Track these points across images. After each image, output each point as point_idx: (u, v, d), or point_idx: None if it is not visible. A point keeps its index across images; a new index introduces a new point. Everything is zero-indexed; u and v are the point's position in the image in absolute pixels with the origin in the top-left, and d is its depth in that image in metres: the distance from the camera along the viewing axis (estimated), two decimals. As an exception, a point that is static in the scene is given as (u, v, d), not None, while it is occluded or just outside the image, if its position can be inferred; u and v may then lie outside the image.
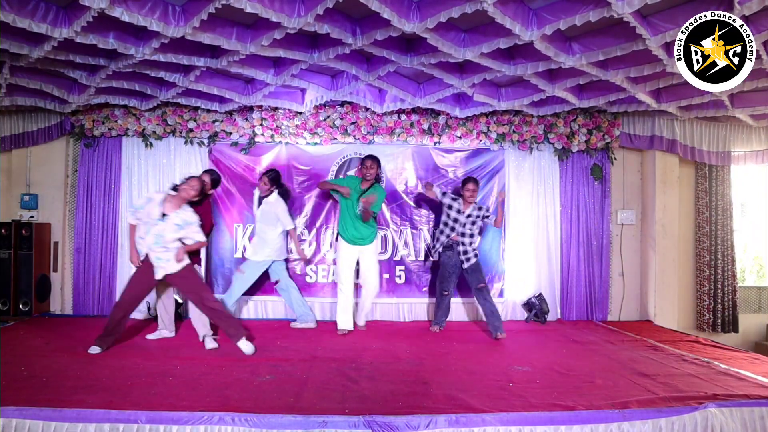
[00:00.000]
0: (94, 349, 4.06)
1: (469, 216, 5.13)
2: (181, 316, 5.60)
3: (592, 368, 3.87)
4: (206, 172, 4.77)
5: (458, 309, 5.88)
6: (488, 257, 5.96)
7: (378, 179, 5.12)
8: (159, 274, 4.08)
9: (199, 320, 4.37)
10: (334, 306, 5.80)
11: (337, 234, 5.20)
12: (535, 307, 5.78)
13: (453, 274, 5.19)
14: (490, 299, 5.09)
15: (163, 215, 4.04)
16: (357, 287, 5.35)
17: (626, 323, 5.85)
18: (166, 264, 4.08)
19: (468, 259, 5.13)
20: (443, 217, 5.25)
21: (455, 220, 5.14)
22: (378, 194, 4.98)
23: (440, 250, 5.25)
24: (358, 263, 5.13)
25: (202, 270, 5.64)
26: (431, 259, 5.72)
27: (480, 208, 5.21)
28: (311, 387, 3.30)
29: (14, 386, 3.16)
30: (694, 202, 6.33)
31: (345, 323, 5.05)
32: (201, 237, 4.18)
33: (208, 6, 3.32)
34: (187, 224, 4.09)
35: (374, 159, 5.04)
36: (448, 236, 5.16)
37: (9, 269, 5.47)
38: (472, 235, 5.17)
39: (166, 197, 4.12)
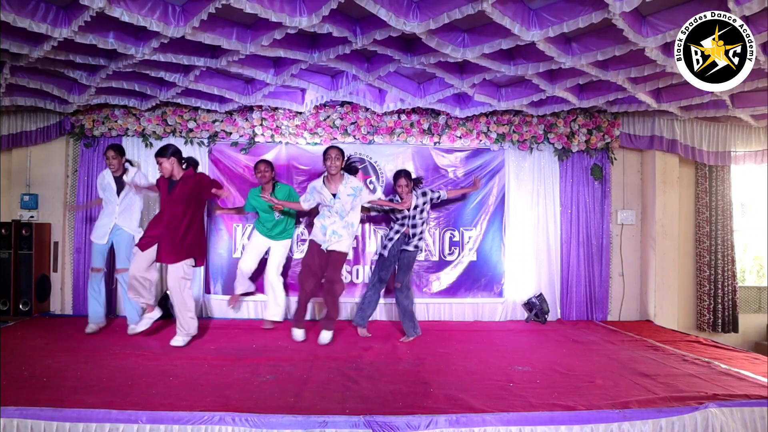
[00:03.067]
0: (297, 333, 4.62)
1: (415, 207, 4.96)
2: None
3: (592, 368, 3.87)
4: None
5: (459, 309, 5.90)
6: (488, 257, 5.96)
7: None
8: (327, 244, 4.48)
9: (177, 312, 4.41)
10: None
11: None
12: (536, 307, 5.78)
13: (393, 262, 5.00)
14: (410, 297, 4.93)
15: (333, 195, 4.45)
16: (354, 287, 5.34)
17: (626, 323, 5.85)
18: (339, 240, 4.48)
19: (408, 243, 4.95)
20: (392, 218, 5.14)
21: (404, 217, 4.99)
22: (280, 194, 5.02)
23: (389, 246, 4.96)
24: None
25: (200, 271, 5.65)
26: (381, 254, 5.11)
27: (425, 194, 5.04)
28: (311, 387, 3.30)
29: (14, 386, 3.16)
30: (694, 202, 6.33)
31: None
32: (372, 196, 4.68)
33: (208, 6, 3.33)
34: (359, 190, 4.50)
35: (267, 162, 5.13)
36: (398, 232, 4.98)
37: (9, 269, 5.47)
38: (423, 223, 5.04)
39: (325, 179, 4.49)
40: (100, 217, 4.96)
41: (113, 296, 5.72)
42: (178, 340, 4.33)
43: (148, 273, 4.36)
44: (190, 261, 4.36)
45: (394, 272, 5.08)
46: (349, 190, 4.47)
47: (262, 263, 5.31)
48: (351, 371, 3.67)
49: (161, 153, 4.26)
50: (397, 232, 4.98)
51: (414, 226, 4.98)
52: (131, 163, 5.03)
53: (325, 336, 4.56)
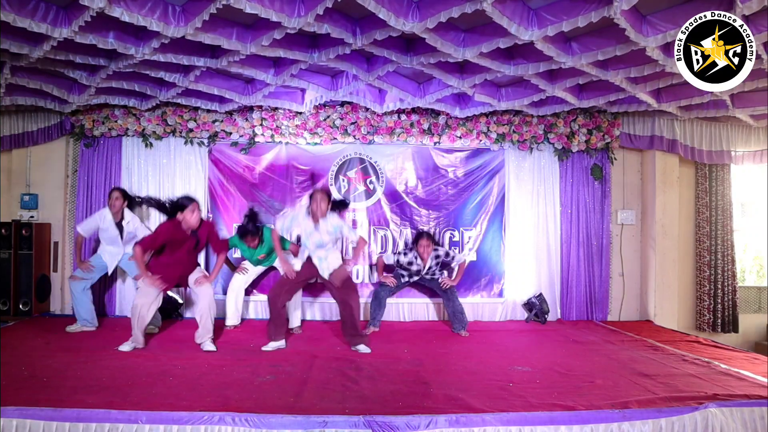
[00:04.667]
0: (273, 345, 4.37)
1: (429, 268, 5.17)
2: (181, 315, 5.62)
3: (592, 368, 3.87)
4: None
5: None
6: (488, 257, 5.96)
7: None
8: (324, 274, 4.42)
9: (206, 320, 4.36)
10: (334, 306, 5.81)
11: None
12: (536, 307, 5.78)
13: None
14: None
15: (315, 228, 4.37)
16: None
17: (626, 323, 5.85)
18: (327, 261, 4.41)
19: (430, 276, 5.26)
20: (401, 271, 5.23)
21: (417, 273, 5.19)
22: (266, 243, 5.07)
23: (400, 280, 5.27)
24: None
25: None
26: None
27: (438, 256, 5.15)
28: (311, 387, 3.29)
29: (14, 386, 3.15)
30: (694, 202, 6.33)
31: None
32: (352, 236, 4.52)
33: (209, 6, 3.33)
34: (338, 229, 4.39)
35: (253, 232, 4.97)
36: (406, 279, 5.27)
37: (9, 269, 5.47)
38: (436, 272, 5.27)
39: (308, 213, 4.40)
40: (103, 247, 5.03)
41: (113, 296, 5.73)
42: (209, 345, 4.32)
43: (150, 310, 4.30)
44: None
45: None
46: (329, 227, 4.35)
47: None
48: (351, 371, 3.67)
49: (189, 201, 4.23)
50: (406, 277, 5.27)
51: (431, 280, 5.28)
52: (131, 206, 5.09)
53: (364, 349, 4.35)
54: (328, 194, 4.45)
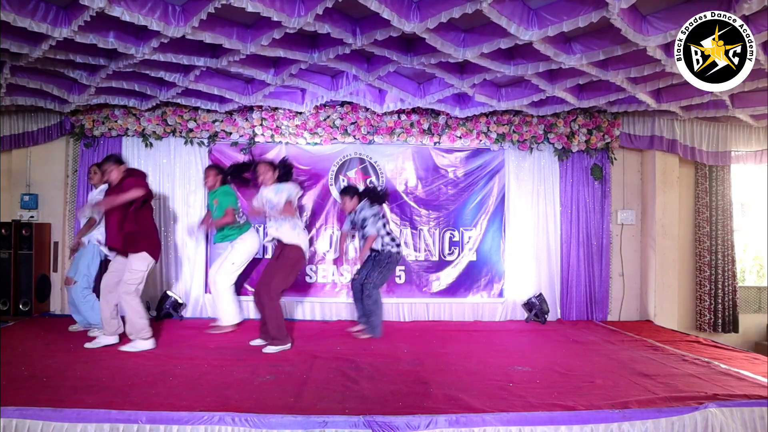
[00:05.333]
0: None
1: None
2: (182, 316, 5.61)
3: (592, 368, 3.87)
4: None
5: (459, 309, 5.91)
6: (488, 257, 5.96)
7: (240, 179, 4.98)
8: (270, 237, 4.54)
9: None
10: (334, 306, 5.84)
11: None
12: (535, 307, 5.78)
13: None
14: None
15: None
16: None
17: (626, 323, 5.85)
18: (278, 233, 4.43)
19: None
20: (382, 221, 4.95)
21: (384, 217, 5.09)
22: (219, 198, 4.96)
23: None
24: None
25: (200, 270, 5.65)
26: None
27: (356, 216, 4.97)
28: (311, 387, 3.29)
29: (14, 386, 3.15)
30: (694, 202, 6.33)
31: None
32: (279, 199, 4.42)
33: (208, 6, 3.33)
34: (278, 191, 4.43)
35: (211, 167, 5.11)
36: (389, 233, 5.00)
37: (9, 269, 5.47)
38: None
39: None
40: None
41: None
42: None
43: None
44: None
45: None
46: (272, 193, 4.47)
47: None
48: (351, 371, 3.67)
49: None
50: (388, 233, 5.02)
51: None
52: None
53: (268, 349, 4.24)
54: (269, 163, 4.62)
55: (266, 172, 4.57)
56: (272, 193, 4.46)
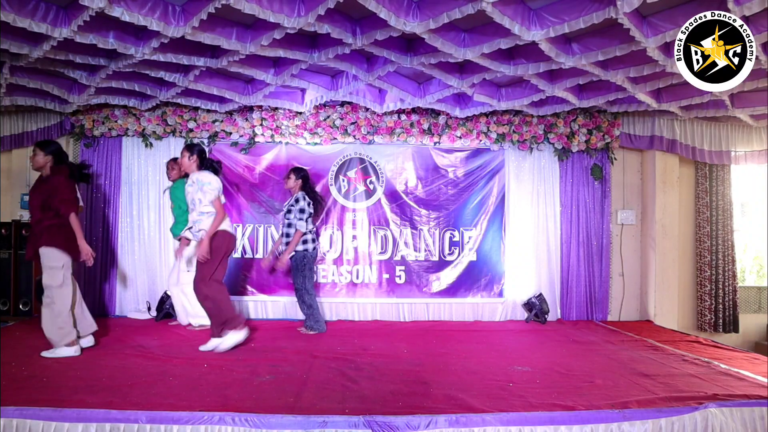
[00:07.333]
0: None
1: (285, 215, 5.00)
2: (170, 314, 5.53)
3: (592, 368, 3.87)
4: None
5: (459, 309, 5.91)
6: (488, 257, 5.96)
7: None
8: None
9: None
10: (334, 306, 5.85)
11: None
12: (535, 307, 5.78)
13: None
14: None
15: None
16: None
17: (626, 323, 5.85)
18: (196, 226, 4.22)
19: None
20: (309, 211, 4.88)
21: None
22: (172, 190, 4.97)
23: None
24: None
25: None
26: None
27: (297, 200, 4.91)
28: (311, 387, 3.29)
29: (14, 386, 3.15)
30: (694, 202, 6.33)
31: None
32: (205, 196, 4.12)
33: (208, 6, 3.33)
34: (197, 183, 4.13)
35: (175, 160, 5.08)
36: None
37: (9, 269, 5.47)
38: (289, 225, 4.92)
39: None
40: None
41: (113, 296, 5.73)
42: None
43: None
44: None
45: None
46: (189, 184, 4.19)
47: (261, 265, 5.32)
48: (351, 371, 3.67)
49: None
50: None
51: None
52: None
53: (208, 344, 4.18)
54: (188, 148, 4.23)
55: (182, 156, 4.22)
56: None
